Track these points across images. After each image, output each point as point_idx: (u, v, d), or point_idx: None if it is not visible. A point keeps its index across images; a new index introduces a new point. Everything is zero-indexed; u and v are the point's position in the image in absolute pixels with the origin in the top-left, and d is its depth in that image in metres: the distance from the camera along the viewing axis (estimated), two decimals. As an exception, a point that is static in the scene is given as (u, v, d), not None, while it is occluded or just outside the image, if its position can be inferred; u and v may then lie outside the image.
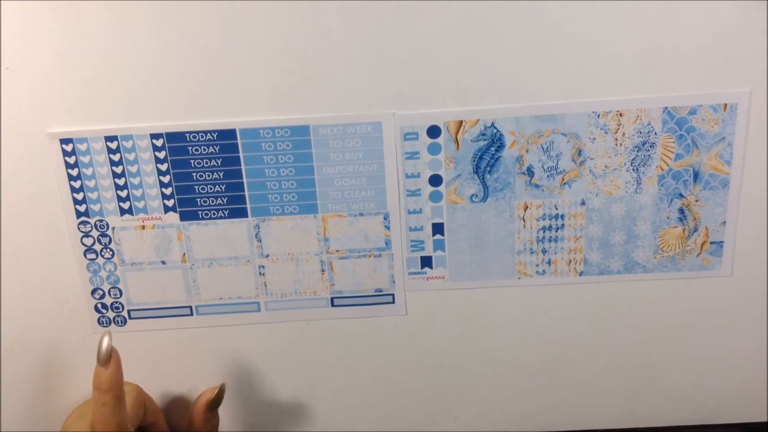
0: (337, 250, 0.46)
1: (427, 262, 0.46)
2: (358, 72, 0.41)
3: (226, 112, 0.42)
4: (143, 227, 0.45)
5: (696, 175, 0.43)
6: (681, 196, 0.44)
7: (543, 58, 0.41)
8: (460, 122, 0.42)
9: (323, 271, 0.46)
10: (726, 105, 0.42)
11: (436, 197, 0.44)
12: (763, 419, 0.49)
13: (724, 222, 0.44)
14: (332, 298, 0.47)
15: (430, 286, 0.46)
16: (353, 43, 0.41)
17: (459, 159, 0.43)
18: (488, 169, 0.43)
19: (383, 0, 0.40)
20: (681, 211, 0.44)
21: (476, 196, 0.44)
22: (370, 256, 0.46)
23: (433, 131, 0.43)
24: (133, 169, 0.44)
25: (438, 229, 0.45)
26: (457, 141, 0.43)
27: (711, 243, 0.45)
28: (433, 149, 0.43)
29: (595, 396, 0.49)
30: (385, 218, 0.45)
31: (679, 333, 0.47)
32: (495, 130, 0.42)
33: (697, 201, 0.44)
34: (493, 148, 0.43)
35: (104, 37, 0.41)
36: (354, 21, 0.40)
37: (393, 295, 0.47)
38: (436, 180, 0.44)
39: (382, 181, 0.44)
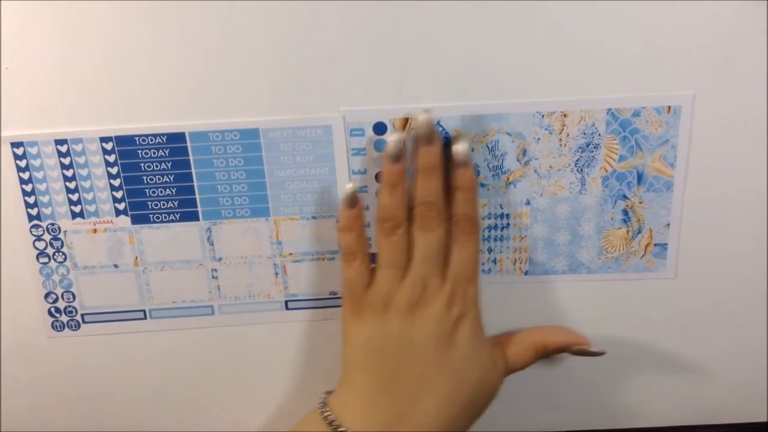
0: (290, 253, 0.44)
1: (374, 258, 0.44)
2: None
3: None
4: (95, 231, 0.43)
5: (640, 177, 0.42)
6: (625, 197, 0.42)
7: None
8: (406, 119, 0.41)
9: (277, 274, 0.44)
10: (670, 107, 0.40)
11: None
12: (763, 419, 0.47)
13: (668, 224, 0.42)
14: (286, 302, 0.45)
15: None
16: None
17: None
18: (434, 167, 0.41)
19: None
20: (625, 212, 0.42)
21: (422, 194, 0.42)
22: (323, 259, 0.44)
23: (379, 128, 0.41)
24: (84, 172, 0.42)
25: None
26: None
27: (655, 245, 0.43)
28: (380, 146, 0.41)
29: (596, 396, 0.48)
30: (338, 221, 0.43)
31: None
32: (440, 129, 0.41)
33: (641, 203, 0.42)
34: None
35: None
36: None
37: (347, 297, 0.45)
38: None
39: (334, 184, 0.42)
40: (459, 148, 0.38)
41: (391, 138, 0.38)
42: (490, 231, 0.43)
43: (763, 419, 0.47)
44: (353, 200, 0.39)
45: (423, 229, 0.38)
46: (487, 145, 0.41)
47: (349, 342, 0.40)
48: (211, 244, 0.43)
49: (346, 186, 0.40)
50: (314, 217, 0.43)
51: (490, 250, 0.43)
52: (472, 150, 0.41)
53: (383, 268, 0.39)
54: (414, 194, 0.39)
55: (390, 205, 0.38)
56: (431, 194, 0.38)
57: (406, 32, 0.39)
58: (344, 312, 0.41)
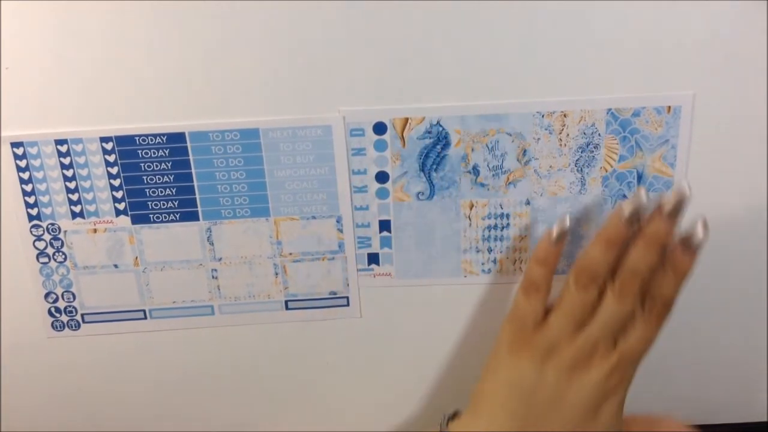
0: (290, 253, 0.44)
1: (374, 259, 0.44)
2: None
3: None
4: (95, 231, 0.43)
5: (640, 177, 0.41)
6: (625, 197, 0.42)
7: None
8: (406, 119, 0.40)
9: (276, 274, 0.44)
10: (670, 107, 0.40)
11: (382, 194, 0.42)
12: (763, 419, 0.47)
13: (669, 223, 0.42)
14: (286, 301, 0.45)
15: (377, 282, 0.44)
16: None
17: (405, 156, 0.41)
18: (434, 167, 0.41)
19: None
20: (625, 211, 0.42)
21: (422, 193, 0.42)
22: (323, 259, 0.44)
23: (379, 128, 0.41)
24: (84, 172, 0.41)
25: (385, 226, 0.43)
26: (403, 138, 0.41)
27: (655, 244, 0.43)
28: (379, 146, 0.41)
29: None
30: (337, 221, 0.43)
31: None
32: (441, 128, 0.40)
33: (641, 202, 0.42)
34: (438, 146, 0.41)
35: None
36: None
37: (347, 297, 0.45)
38: (382, 177, 0.42)
39: (334, 184, 0.42)
40: (700, 232, 0.36)
41: (634, 201, 0.36)
42: (490, 231, 0.43)
43: (763, 419, 0.47)
44: (562, 237, 0.38)
45: (619, 296, 0.37)
46: (486, 145, 0.41)
47: (496, 374, 0.39)
48: (211, 244, 0.43)
49: (563, 219, 0.38)
50: (314, 217, 0.43)
51: (490, 250, 0.43)
52: (472, 151, 0.41)
53: (561, 315, 0.38)
54: (627, 256, 0.37)
55: (598, 261, 0.37)
56: (644, 266, 0.36)
57: (406, 32, 0.38)
58: (501, 343, 0.39)
